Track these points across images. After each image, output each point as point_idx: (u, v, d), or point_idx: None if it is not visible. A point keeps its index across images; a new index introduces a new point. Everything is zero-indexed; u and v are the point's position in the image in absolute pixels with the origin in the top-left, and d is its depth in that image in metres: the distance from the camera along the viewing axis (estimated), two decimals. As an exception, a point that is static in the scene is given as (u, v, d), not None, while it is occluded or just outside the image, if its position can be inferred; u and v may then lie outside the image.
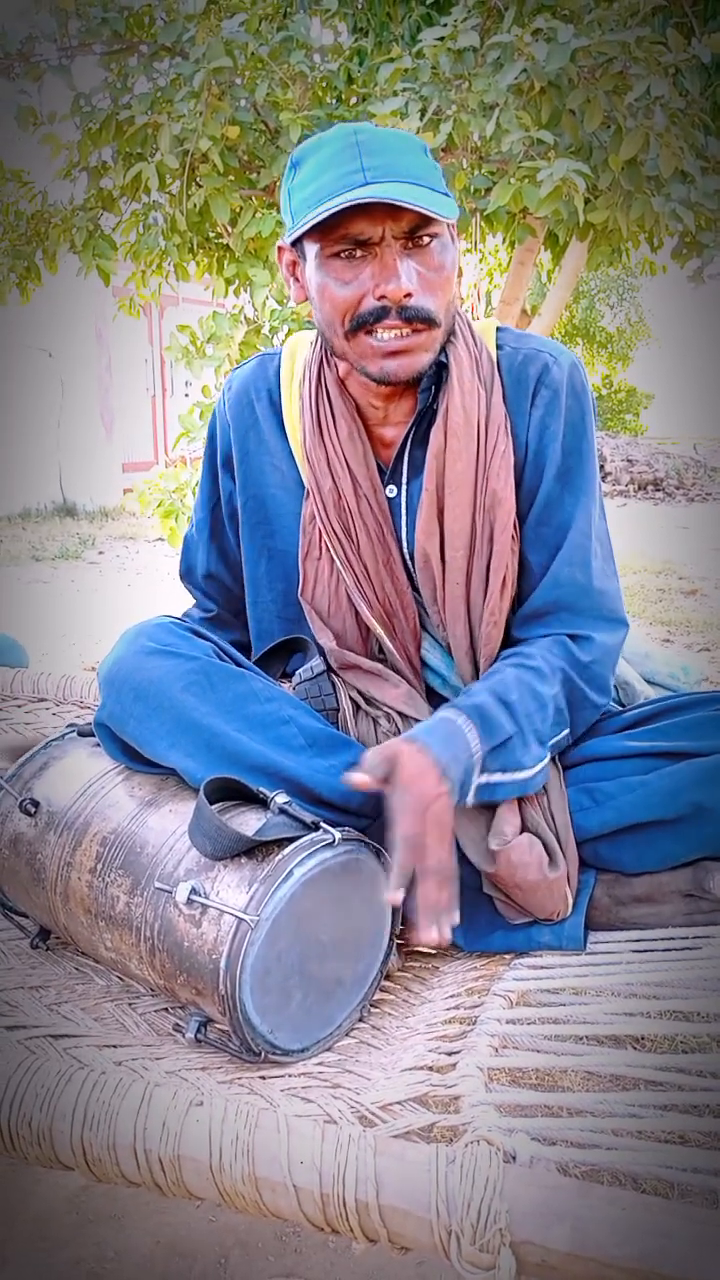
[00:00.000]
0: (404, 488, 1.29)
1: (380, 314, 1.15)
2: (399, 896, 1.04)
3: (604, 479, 12.87)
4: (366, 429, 1.30)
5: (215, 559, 1.47)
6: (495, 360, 1.27)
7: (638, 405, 19.02)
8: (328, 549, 1.30)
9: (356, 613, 1.31)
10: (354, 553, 1.29)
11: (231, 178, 3.36)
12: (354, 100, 3.63)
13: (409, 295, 1.13)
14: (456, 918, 1.06)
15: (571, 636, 1.25)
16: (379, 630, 1.30)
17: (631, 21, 2.79)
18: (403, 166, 1.12)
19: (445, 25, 2.92)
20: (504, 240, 4.19)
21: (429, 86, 2.93)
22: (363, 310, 1.15)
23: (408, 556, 1.29)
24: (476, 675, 1.28)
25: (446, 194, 1.16)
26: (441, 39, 2.91)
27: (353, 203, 1.08)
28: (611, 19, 2.78)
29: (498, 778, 1.15)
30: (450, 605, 1.26)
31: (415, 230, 1.13)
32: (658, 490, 12.65)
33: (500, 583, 1.24)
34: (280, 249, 1.25)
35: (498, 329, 1.30)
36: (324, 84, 3.57)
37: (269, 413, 1.36)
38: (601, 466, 13.02)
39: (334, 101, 3.61)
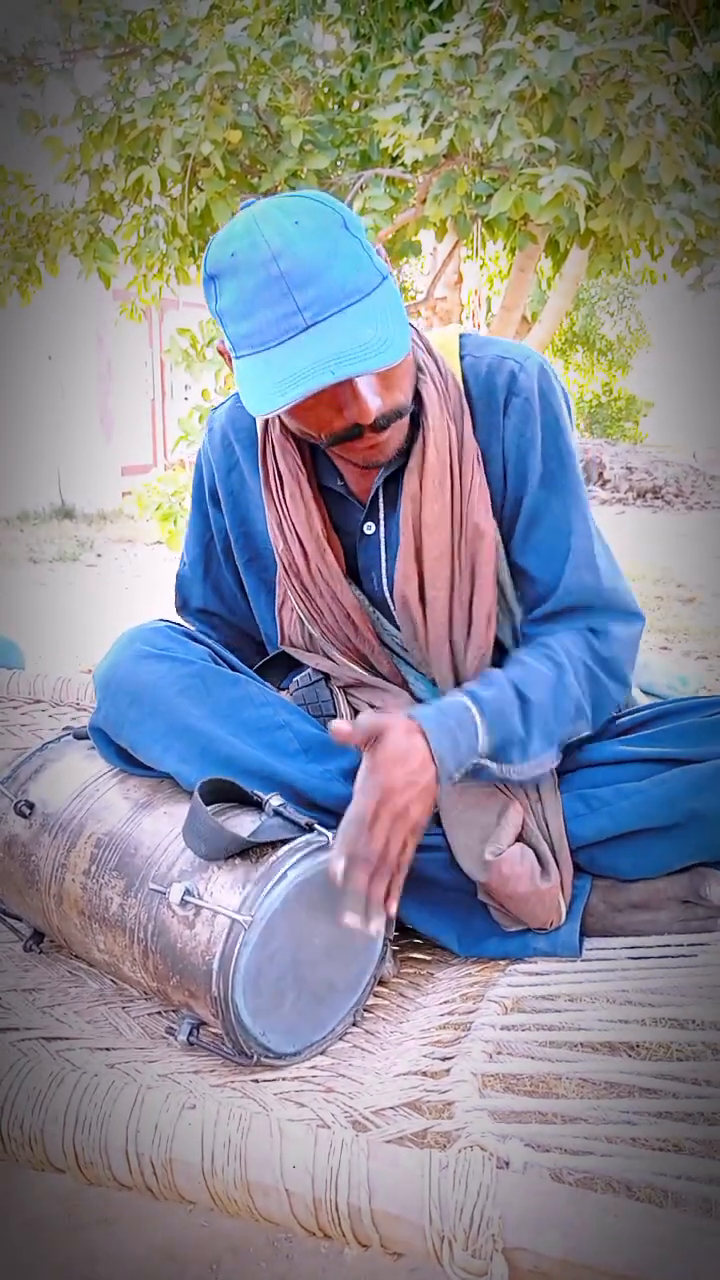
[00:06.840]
0: (382, 524, 1.26)
1: (355, 432, 1.11)
2: (339, 866, 1.00)
3: (603, 486, 12.85)
4: (339, 466, 1.26)
5: (210, 595, 1.43)
6: (461, 374, 1.22)
7: (637, 413, 19.05)
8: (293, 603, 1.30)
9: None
10: (315, 611, 1.28)
11: (233, 182, 3.37)
12: (355, 105, 3.64)
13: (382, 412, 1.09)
14: (392, 910, 1.02)
15: (591, 630, 1.23)
16: (359, 671, 1.29)
17: (633, 30, 2.80)
18: (337, 289, 1.02)
19: (448, 32, 2.93)
20: (504, 247, 4.20)
21: (431, 92, 2.94)
22: (336, 432, 1.11)
23: (389, 595, 1.26)
24: None
25: (383, 295, 1.06)
26: (444, 45, 2.91)
27: (315, 390, 1.00)
28: (613, 27, 2.79)
29: (487, 764, 1.13)
30: (434, 645, 1.23)
31: None
32: (657, 498, 12.64)
33: (485, 618, 1.22)
34: (221, 350, 1.14)
35: (461, 336, 1.26)
36: (326, 89, 3.58)
37: (247, 451, 1.33)
38: (600, 474, 13.01)
39: (336, 107, 3.62)
